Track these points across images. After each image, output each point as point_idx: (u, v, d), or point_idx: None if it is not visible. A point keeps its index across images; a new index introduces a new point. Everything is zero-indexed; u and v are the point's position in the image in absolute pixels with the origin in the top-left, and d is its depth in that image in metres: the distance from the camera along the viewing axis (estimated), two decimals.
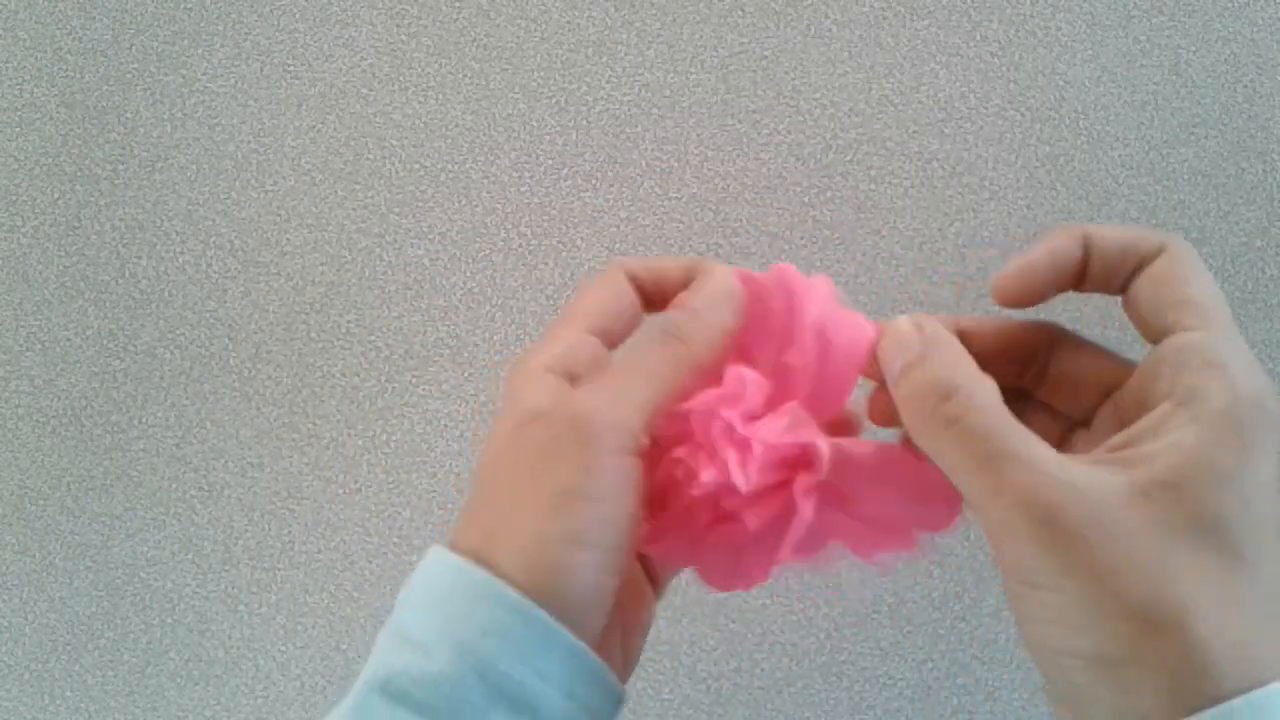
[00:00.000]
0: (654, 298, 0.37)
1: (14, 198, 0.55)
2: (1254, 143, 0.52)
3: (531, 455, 0.31)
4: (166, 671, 0.54)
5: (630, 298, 0.36)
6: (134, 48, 0.55)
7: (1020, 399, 0.36)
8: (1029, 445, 0.29)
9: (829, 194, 0.52)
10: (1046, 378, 0.37)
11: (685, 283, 0.36)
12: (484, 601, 0.30)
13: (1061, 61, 0.53)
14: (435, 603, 0.31)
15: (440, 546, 0.31)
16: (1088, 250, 0.34)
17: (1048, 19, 0.53)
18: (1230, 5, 0.52)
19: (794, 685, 0.52)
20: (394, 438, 0.54)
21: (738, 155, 0.53)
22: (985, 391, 0.30)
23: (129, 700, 0.54)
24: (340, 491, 0.54)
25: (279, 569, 0.54)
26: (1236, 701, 0.25)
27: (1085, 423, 0.35)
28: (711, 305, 0.35)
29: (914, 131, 0.53)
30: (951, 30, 0.53)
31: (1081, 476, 0.28)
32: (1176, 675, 0.26)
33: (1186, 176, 0.52)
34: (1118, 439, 0.29)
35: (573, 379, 0.33)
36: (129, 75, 0.55)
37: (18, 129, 0.55)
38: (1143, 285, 0.33)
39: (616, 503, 0.31)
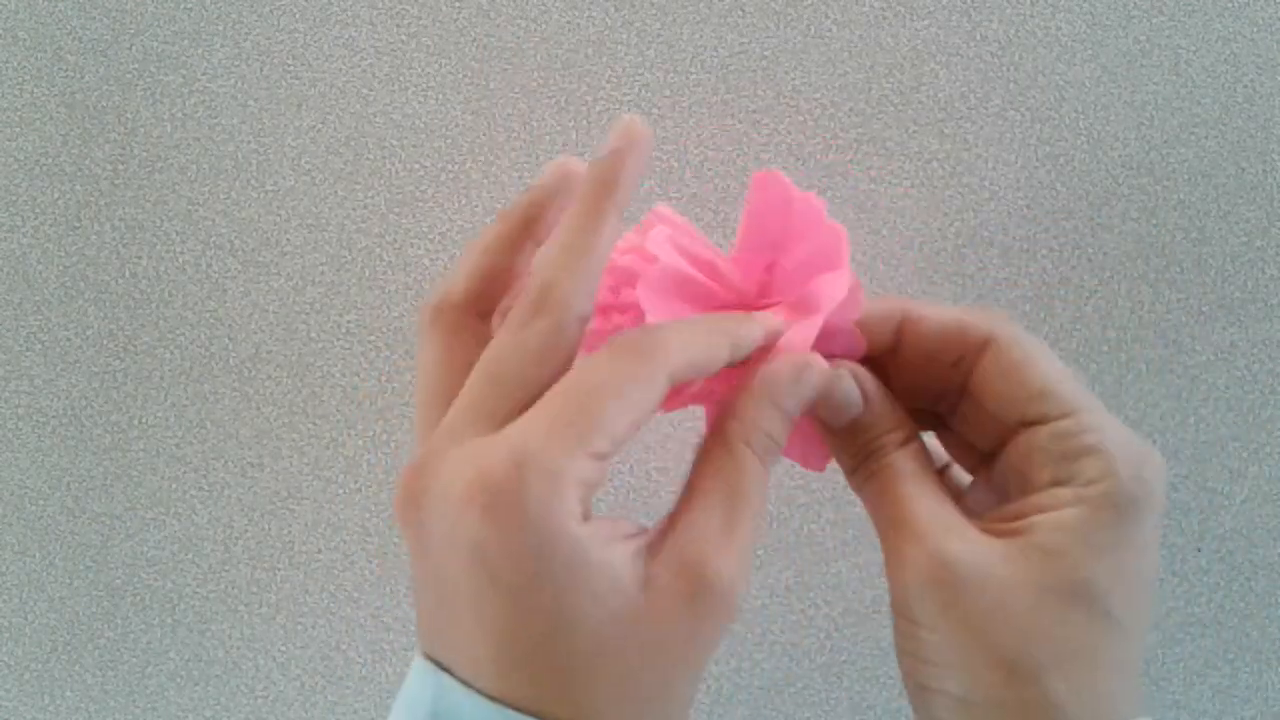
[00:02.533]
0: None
1: (14, 198, 0.55)
2: (1254, 143, 0.52)
3: (658, 644, 0.27)
4: (166, 671, 0.54)
5: (656, 404, 0.29)
6: (134, 48, 0.55)
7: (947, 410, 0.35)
8: (931, 511, 0.31)
9: (829, 193, 0.52)
10: (964, 398, 0.34)
11: (719, 368, 0.31)
12: None
13: (1061, 61, 0.53)
14: None
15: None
16: (900, 334, 0.33)
17: (1048, 19, 0.53)
18: (1230, 5, 0.52)
19: (794, 685, 0.52)
20: (394, 438, 0.54)
21: (738, 155, 0.53)
22: (903, 456, 0.32)
23: (129, 700, 0.54)
24: (340, 491, 0.54)
25: (279, 569, 0.54)
26: None
27: (992, 457, 0.34)
28: (798, 391, 0.31)
29: (914, 131, 0.53)
30: (951, 30, 0.53)
31: (971, 534, 0.30)
32: None
33: (1186, 176, 0.52)
34: (1011, 509, 0.31)
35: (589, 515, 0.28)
36: (129, 75, 0.55)
37: (18, 129, 0.55)
38: (989, 381, 0.32)
39: None
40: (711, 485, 0.29)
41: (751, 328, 0.32)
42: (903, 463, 0.32)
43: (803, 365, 0.31)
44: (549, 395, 0.28)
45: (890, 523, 0.31)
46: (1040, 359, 0.31)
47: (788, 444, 0.33)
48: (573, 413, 0.28)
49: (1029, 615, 0.29)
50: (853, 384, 0.33)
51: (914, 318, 0.33)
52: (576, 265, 0.29)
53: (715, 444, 0.30)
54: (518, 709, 0.26)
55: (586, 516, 0.27)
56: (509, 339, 0.29)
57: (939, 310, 0.33)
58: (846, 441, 0.33)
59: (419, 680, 0.28)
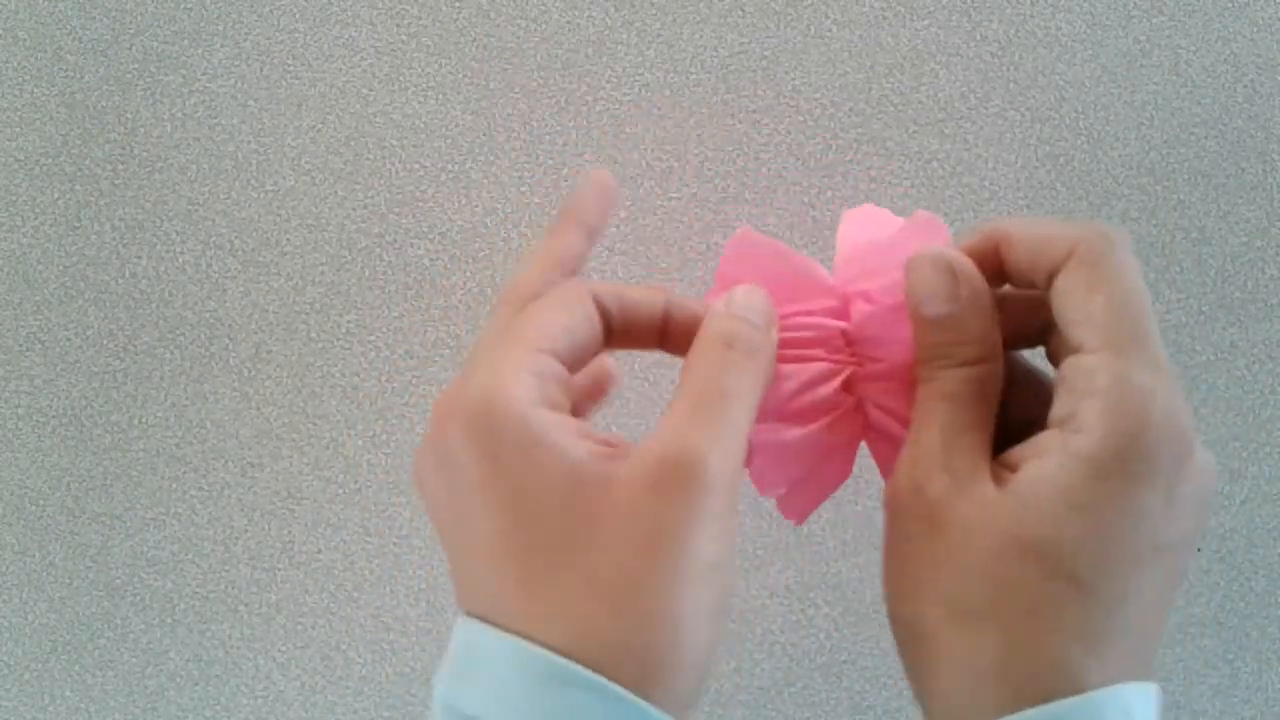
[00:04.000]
0: (617, 330, 0.33)
1: (14, 198, 0.55)
2: (1254, 143, 0.52)
3: (651, 527, 0.27)
4: (166, 671, 0.54)
5: (595, 328, 0.31)
6: (134, 48, 0.55)
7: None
8: (941, 438, 0.30)
9: (829, 194, 0.52)
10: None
11: (658, 320, 0.32)
12: (571, 689, 0.26)
13: (1061, 61, 0.53)
14: (513, 691, 0.26)
15: (507, 638, 0.27)
16: (1000, 255, 0.33)
17: (1048, 19, 0.53)
18: (1230, 5, 0.52)
19: (794, 685, 0.52)
20: (394, 438, 0.54)
21: (738, 155, 0.53)
22: (955, 375, 0.31)
23: (129, 700, 0.54)
24: (340, 491, 0.54)
25: (279, 569, 0.54)
26: (1031, 712, 0.26)
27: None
28: (763, 317, 0.31)
29: (914, 131, 0.53)
30: (951, 30, 0.53)
31: (963, 472, 0.29)
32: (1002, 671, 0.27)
33: (1186, 176, 0.52)
34: (1017, 449, 0.30)
35: (551, 405, 0.29)
36: (129, 75, 0.55)
37: (18, 129, 0.55)
38: (1054, 298, 0.31)
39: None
40: (689, 381, 0.29)
41: (685, 308, 0.33)
42: (948, 381, 0.31)
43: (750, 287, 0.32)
44: None
45: (910, 432, 0.30)
46: (1105, 282, 0.29)
47: (777, 479, 0.33)
48: (511, 327, 0.30)
49: (982, 560, 0.28)
50: (935, 276, 0.32)
51: (1008, 239, 0.32)
52: (536, 267, 0.32)
53: (696, 345, 0.31)
54: (508, 627, 0.27)
55: (553, 407, 0.28)
56: (538, 301, 0.32)
57: (1031, 225, 0.31)
58: (924, 333, 0.31)
59: (455, 634, 0.29)
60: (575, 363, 0.30)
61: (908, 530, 0.29)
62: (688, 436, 0.27)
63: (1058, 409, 0.29)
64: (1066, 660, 0.27)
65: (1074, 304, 0.29)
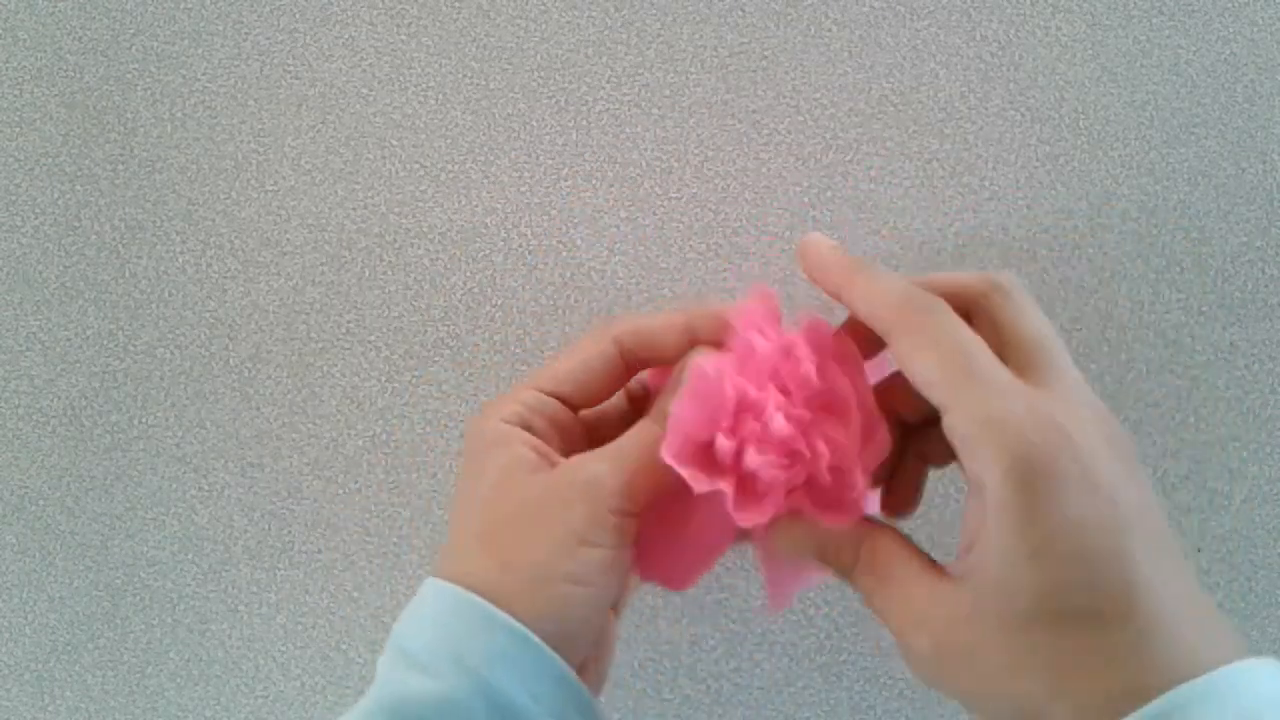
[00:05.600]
0: (646, 361, 0.40)
1: (14, 198, 0.55)
2: (1254, 143, 0.52)
3: (540, 504, 0.35)
4: (166, 671, 0.54)
5: (609, 363, 0.39)
6: (134, 48, 0.55)
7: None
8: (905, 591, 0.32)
9: (829, 194, 0.52)
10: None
11: (680, 348, 0.39)
12: (489, 629, 0.33)
13: (1061, 61, 0.53)
14: (442, 630, 0.33)
15: (438, 580, 0.35)
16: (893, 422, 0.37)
17: (1048, 19, 0.53)
18: (1230, 5, 0.52)
19: (794, 685, 0.52)
20: (394, 438, 0.54)
21: (738, 155, 0.53)
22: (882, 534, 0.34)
23: (129, 700, 0.54)
24: (340, 491, 0.54)
25: (279, 569, 0.54)
26: None
27: None
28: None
29: (914, 131, 0.53)
30: (951, 30, 0.53)
31: (931, 609, 0.30)
32: None
33: (1186, 176, 0.52)
34: (962, 544, 0.31)
35: (528, 428, 0.38)
36: (129, 75, 0.55)
37: (18, 129, 0.55)
38: (902, 369, 0.33)
39: (617, 550, 0.35)
40: (628, 433, 0.37)
41: (707, 317, 0.39)
42: (877, 554, 0.33)
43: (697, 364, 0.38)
44: None
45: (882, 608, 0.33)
46: (927, 344, 0.30)
47: (657, 556, 0.39)
48: (538, 370, 0.40)
49: (1004, 656, 0.28)
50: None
51: (852, 308, 0.35)
52: (636, 322, 0.40)
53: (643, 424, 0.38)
54: (451, 579, 0.35)
55: (525, 427, 0.38)
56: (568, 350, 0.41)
57: (864, 299, 0.33)
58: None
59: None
60: (591, 393, 0.39)
61: (944, 682, 0.30)
62: (599, 461, 0.36)
63: (966, 478, 0.30)
64: (1120, 690, 0.27)
65: (915, 370, 0.31)
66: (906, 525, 0.37)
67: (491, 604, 0.33)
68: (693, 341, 0.39)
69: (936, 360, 0.30)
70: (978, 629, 0.28)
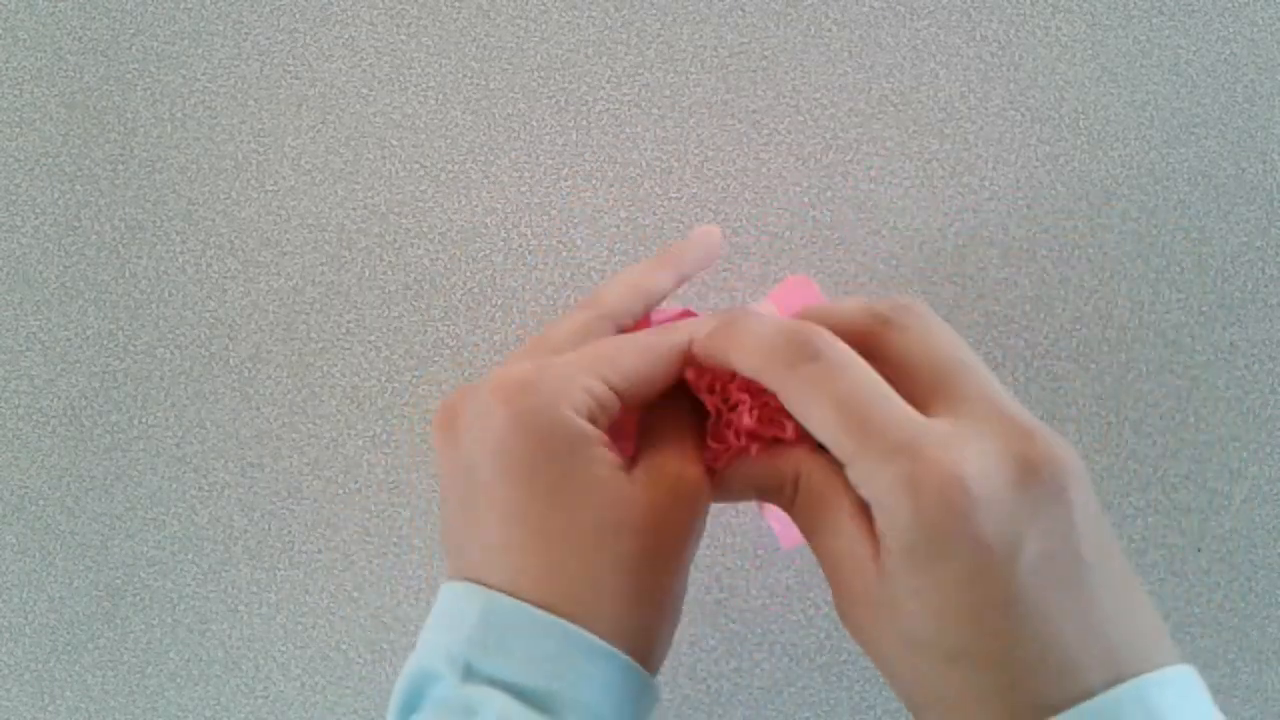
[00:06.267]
0: (707, 370, 0.37)
1: (14, 198, 0.55)
2: (1254, 143, 0.52)
3: (649, 520, 0.32)
4: (166, 671, 0.54)
5: (670, 371, 0.35)
6: (134, 48, 0.55)
7: None
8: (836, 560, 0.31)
9: (829, 194, 0.52)
10: None
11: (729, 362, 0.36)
12: (600, 659, 0.31)
13: (1061, 61, 0.53)
14: (553, 661, 0.31)
15: (533, 609, 0.31)
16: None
17: (1048, 19, 0.53)
18: (1230, 5, 0.52)
19: (794, 685, 0.52)
20: (394, 438, 0.54)
21: (738, 155, 0.53)
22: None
23: (129, 700, 0.54)
24: (340, 491, 0.54)
25: (279, 569, 0.54)
26: None
27: None
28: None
29: (914, 131, 0.53)
30: (951, 30, 0.53)
31: (851, 561, 0.30)
32: None
33: (1186, 176, 0.52)
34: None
35: (593, 422, 0.34)
36: (129, 75, 0.55)
37: (18, 129, 0.55)
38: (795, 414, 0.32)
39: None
40: (672, 421, 0.35)
41: (658, 278, 0.38)
42: (802, 494, 0.32)
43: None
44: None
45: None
46: (798, 410, 0.29)
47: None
48: (597, 346, 0.34)
49: (895, 653, 0.28)
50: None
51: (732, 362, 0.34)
52: (622, 288, 0.37)
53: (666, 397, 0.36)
54: (537, 602, 0.31)
55: (592, 422, 0.33)
56: (559, 320, 0.36)
57: (744, 369, 0.32)
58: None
59: (453, 596, 0.32)
60: (629, 400, 0.35)
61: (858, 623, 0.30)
62: (692, 465, 0.33)
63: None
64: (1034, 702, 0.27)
65: (810, 426, 0.30)
66: None
67: (626, 651, 0.31)
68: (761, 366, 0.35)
69: (829, 413, 0.29)
70: (882, 610, 0.28)
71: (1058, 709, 0.26)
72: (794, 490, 0.32)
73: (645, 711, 0.31)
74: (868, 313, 0.31)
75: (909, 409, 0.29)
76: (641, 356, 0.34)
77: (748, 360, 0.31)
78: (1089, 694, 0.26)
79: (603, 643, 0.30)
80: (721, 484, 0.34)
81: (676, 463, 0.33)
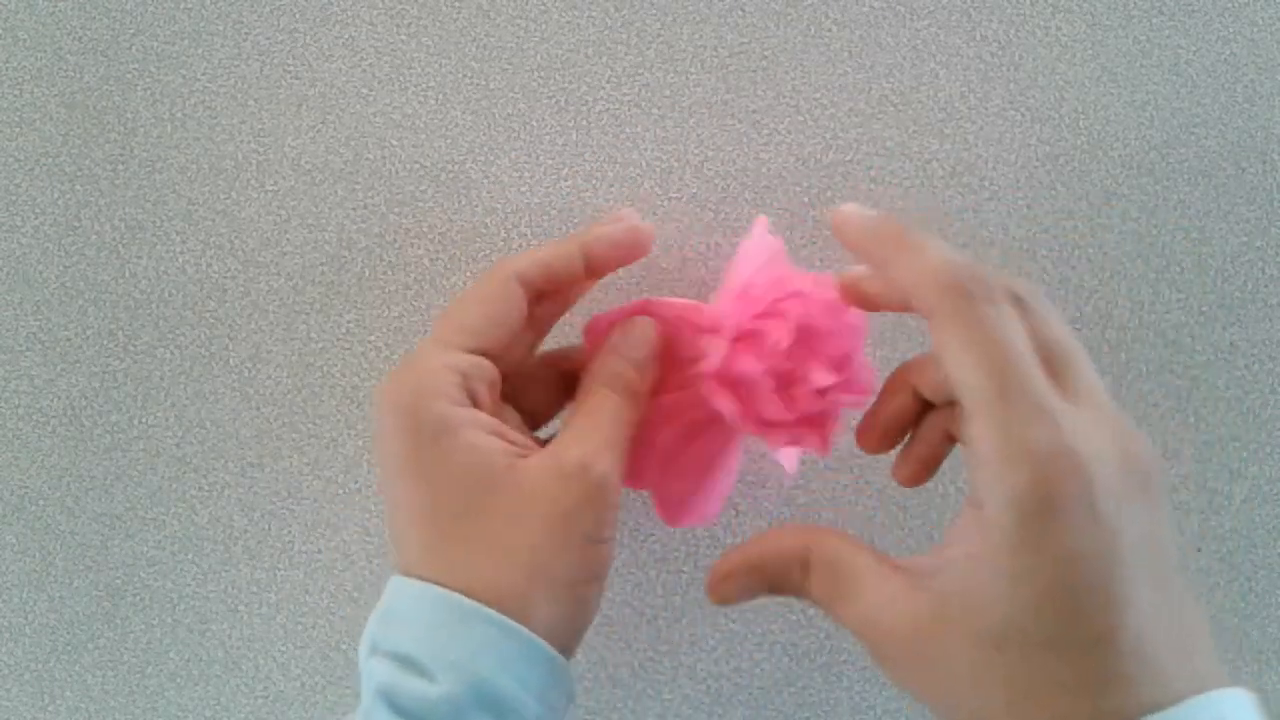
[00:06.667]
0: (549, 292, 0.40)
1: (14, 198, 0.55)
2: (1254, 143, 0.52)
3: (543, 511, 0.34)
4: (166, 671, 0.54)
5: (520, 306, 0.38)
6: (134, 48, 0.55)
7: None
8: (852, 568, 0.32)
9: (829, 194, 0.52)
10: None
11: (576, 270, 0.39)
12: (475, 622, 0.33)
13: (1061, 61, 0.53)
14: (430, 627, 0.33)
15: (438, 589, 0.33)
16: (917, 397, 0.37)
17: (1048, 19, 0.53)
18: (1230, 5, 0.52)
19: (794, 685, 0.52)
20: None
21: (738, 155, 0.53)
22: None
23: (129, 700, 0.54)
24: (340, 491, 0.54)
25: (279, 569, 0.54)
26: None
27: None
28: (634, 346, 0.39)
29: (914, 131, 0.53)
30: (951, 30, 0.53)
31: (891, 609, 0.30)
32: None
33: (1186, 176, 0.52)
34: (945, 540, 0.30)
35: (474, 401, 0.36)
36: (129, 75, 0.55)
37: (18, 129, 0.55)
38: (937, 355, 0.31)
39: (614, 540, 0.36)
40: (574, 413, 0.37)
41: (600, 239, 0.39)
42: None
43: (632, 320, 0.39)
44: None
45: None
46: (970, 343, 0.29)
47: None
48: (443, 320, 0.36)
49: (966, 666, 0.28)
50: (645, 328, 0.39)
51: (917, 377, 0.36)
52: (531, 255, 0.38)
53: (582, 389, 0.38)
54: (424, 578, 0.34)
55: (475, 404, 0.35)
56: (468, 288, 0.38)
57: (903, 266, 0.32)
58: None
59: (385, 589, 0.36)
60: (505, 340, 0.37)
61: (888, 670, 0.31)
62: (586, 446, 0.35)
63: (970, 484, 0.30)
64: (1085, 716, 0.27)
65: (950, 365, 0.30)
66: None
67: (505, 614, 0.33)
68: (590, 264, 0.39)
69: (974, 364, 0.29)
70: (939, 634, 0.28)
71: (1146, 708, 0.26)
72: (803, 570, 0.33)
73: (542, 675, 0.33)
74: (1006, 287, 0.31)
75: (1048, 382, 0.29)
76: (481, 306, 0.37)
77: (917, 276, 0.30)
78: (1175, 699, 0.26)
79: (474, 604, 0.32)
80: (723, 585, 0.35)
81: (578, 449, 0.35)
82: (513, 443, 0.35)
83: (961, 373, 0.29)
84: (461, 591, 0.33)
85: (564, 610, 0.34)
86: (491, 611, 0.32)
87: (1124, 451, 0.28)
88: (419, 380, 0.35)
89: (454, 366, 0.35)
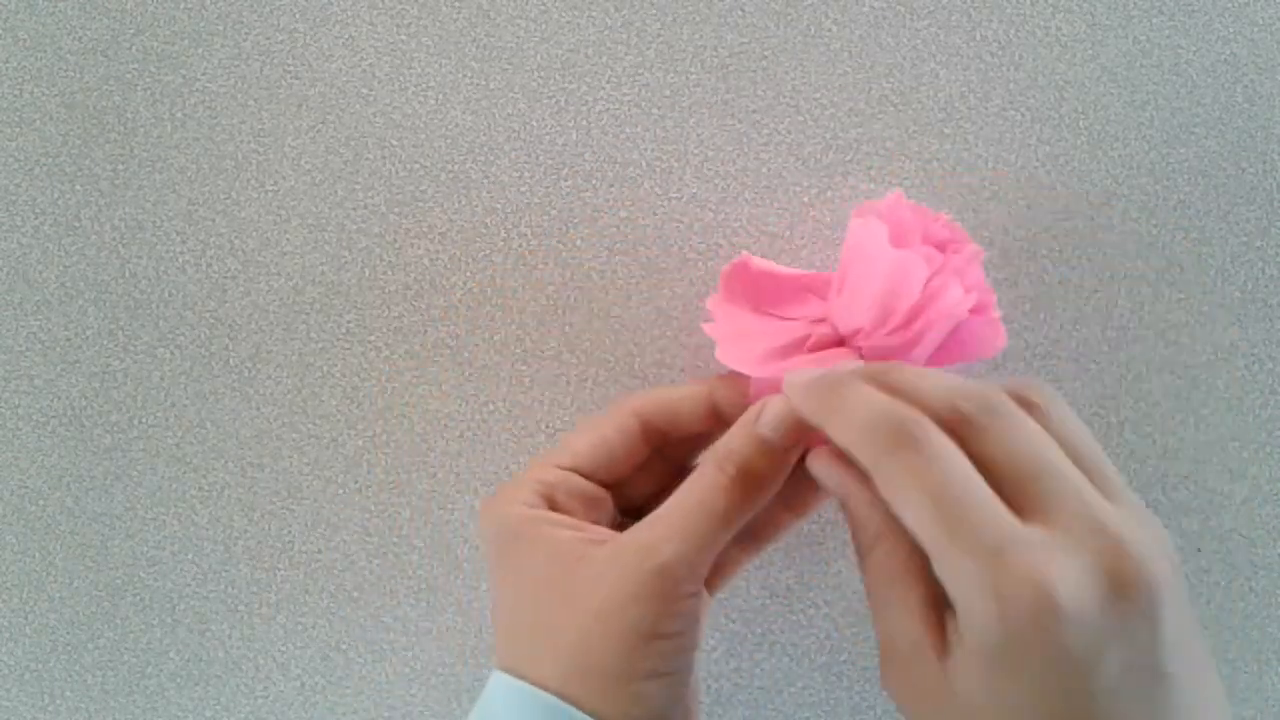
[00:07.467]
0: (668, 435, 0.39)
1: (14, 198, 0.55)
2: (1254, 143, 0.52)
3: (604, 600, 0.32)
4: (166, 671, 0.54)
5: (630, 438, 0.38)
6: (134, 48, 0.55)
7: None
8: (890, 631, 0.31)
9: (829, 194, 0.52)
10: None
11: (703, 419, 0.38)
12: (519, 714, 0.32)
13: (1061, 61, 0.53)
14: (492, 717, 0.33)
15: (509, 678, 0.33)
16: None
17: (1048, 19, 0.53)
18: (1230, 5, 0.52)
19: (794, 685, 0.52)
20: (394, 438, 0.54)
21: (738, 155, 0.53)
22: (882, 552, 0.33)
23: (129, 700, 0.54)
24: (340, 491, 0.54)
25: (279, 569, 0.54)
26: None
27: None
28: (765, 423, 0.35)
29: (914, 131, 0.53)
30: (951, 30, 0.53)
31: (917, 654, 0.29)
32: None
33: (1186, 176, 0.52)
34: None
35: (553, 507, 0.36)
36: (129, 75, 0.55)
37: (18, 129, 0.55)
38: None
39: (691, 634, 0.33)
40: (675, 494, 0.35)
41: (728, 385, 0.39)
42: (880, 560, 0.32)
43: (762, 404, 0.36)
44: None
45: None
46: (895, 499, 0.29)
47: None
48: (552, 450, 0.38)
49: None
50: (775, 411, 0.35)
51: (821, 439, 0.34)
52: (655, 393, 0.39)
53: (704, 460, 0.36)
54: (499, 667, 0.34)
55: (554, 507, 0.36)
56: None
57: (838, 441, 0.31)
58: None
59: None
60: (614, 469, 0.37)
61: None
62: (657, 528, 0.33)
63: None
64: None
65: (900, 513, 0.29)
66: None
67: (570, 705, 0.32)
68: (715, 411, 0.38)
69: (915, 516, 0.28)
70: (946, 691, 0.28)
71: None
72: (873, 541, 0.32)
73: None
74: (950, 407, 0.30)
75: (1003, 511, 0.28)
76: (591, 433, 0.38)
77: (845, 434, 0.30)
78: None
79: (559, 701, 0.31)
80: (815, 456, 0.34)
81: (647, 532, 0.33)
82: (593, 537, 0.35)
83: (912, 516, 0.28)
84: (550, 689, 0.32)
85: (619, 709, 0.32)
86: (574, 710, 0.32)
87: (1109, 575, 0.27)
88: (504, 490, 0.37)
89: (539, 478, 0.36)
